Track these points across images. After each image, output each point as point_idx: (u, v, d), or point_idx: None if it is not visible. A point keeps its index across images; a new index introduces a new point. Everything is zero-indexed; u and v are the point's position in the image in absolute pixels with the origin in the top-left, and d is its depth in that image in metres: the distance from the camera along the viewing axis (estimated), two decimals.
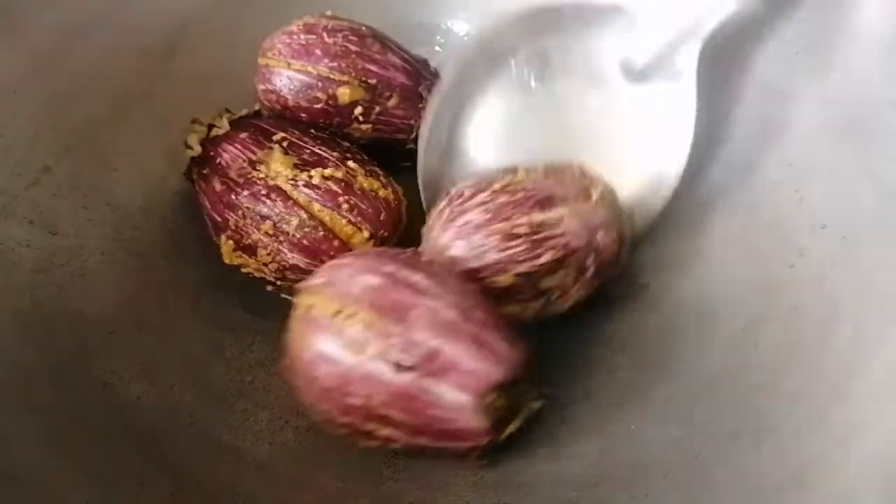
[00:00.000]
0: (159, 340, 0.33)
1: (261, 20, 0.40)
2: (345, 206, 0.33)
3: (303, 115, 0.37)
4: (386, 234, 0.34)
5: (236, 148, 0.34)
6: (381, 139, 0.38)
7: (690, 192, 0.36)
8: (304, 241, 0.32)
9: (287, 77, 0.37)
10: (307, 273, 0.31)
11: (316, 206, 0.33)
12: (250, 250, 0.33)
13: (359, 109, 0.37)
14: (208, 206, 0.34)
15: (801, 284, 0.31)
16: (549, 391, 0.29)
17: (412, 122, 0.38)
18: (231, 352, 0.33)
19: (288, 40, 0.37)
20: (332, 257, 0.32)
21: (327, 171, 0.33)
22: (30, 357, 0.28)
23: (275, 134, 0.35)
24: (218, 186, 0.34)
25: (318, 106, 0.37)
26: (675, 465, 0.28)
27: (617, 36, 0.36)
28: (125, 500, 0.26)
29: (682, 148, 0.35)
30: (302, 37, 0.37)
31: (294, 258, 0.32)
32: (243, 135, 0.35)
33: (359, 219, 0.33)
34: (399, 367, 0.26)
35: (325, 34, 0.37)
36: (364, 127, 0.37)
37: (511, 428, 0.27)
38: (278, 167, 0.33)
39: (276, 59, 0.37)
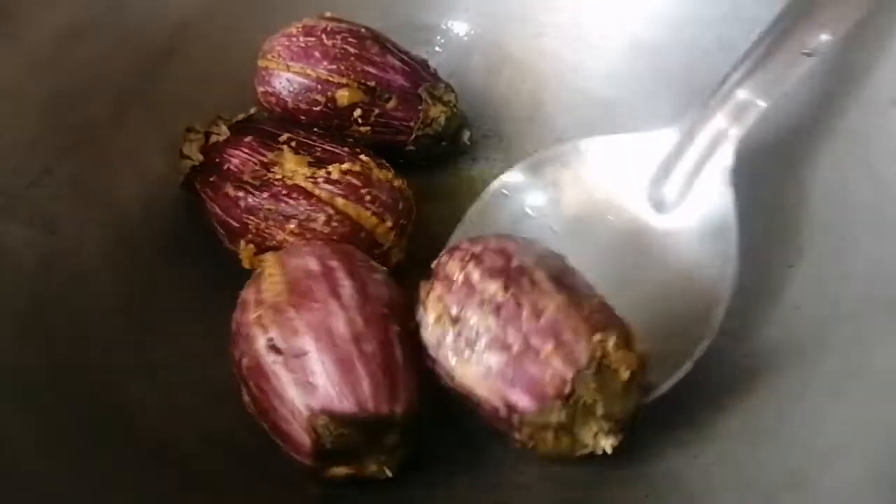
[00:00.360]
0: (159, 340, 0.33)
1: (261, 20, 0.40)
2: (367, 197, 0.33)
3: (302, 117, 0.37)
4: (405, 222, 0.34)
5: (244, 152, 0.34)
6: (382, 141, 0.38)
7: None
8: (334, 237, 0.32)
9: (286, 79, 0.37)
10: None
11: (340, 201, 0.33)
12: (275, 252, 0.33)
13: (358, 112, 0.37)
14: (221, 213, 0.34)
15: (801, 284, 0.31)
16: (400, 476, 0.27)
17: (412, 123, 0.38)
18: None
19: (287, 42, 0.37)
20: (360, 249, 0.32)
21: (345, 166, 0.33)
22: (30, 357, 0.28)
23: (280, 135, 0.35)
24: (232, 192, 0.33)
25: (318, 108, 0.37)
26: (675, 465, 0.28)
27: (641, 165, 0.34)
28: (125, 500, 0.26)
29: (724, 284, 0.31)
30: (301, 39, 0.37)
31: None
32: (247, 139, 0.34)
33: (381, 209, 0.33)
34: (270, 343, 0.26)
35: (324, 36, 0.37)
36: (363, 129, 0.37)
37: (337, 472, 0.27)
38: (293, 166, 0.33)
39: (276, 62, 0.37)
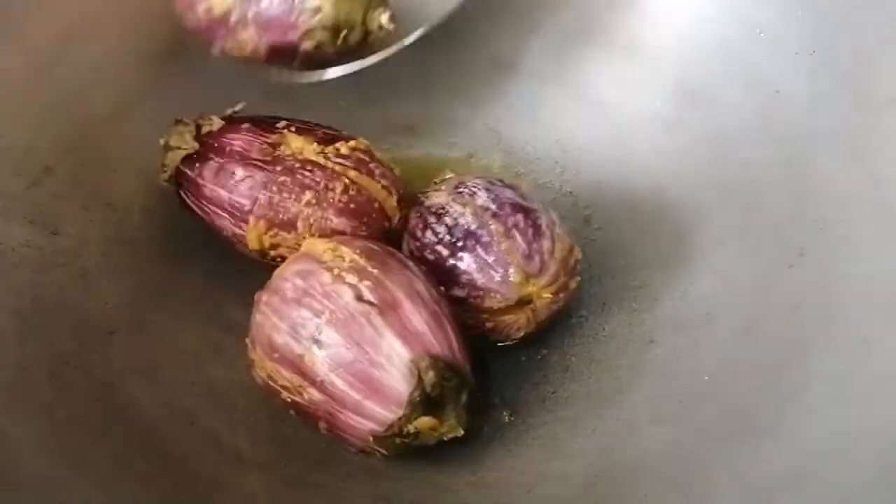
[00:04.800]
0: (159, 340, 0.33)
1: None
2: (377, 171, 0.34)
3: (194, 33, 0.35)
4: (403, 200, 0.35)
5: (245, 135, 0.33)
6: (273, 49, 0.35)
7: (689, 192, 0.36)
8: (351, 205, 0.33)
9: None
10: None
11: (353, 173, 0.33)
12: (289, 225, 0.32)
13: (233, 16, 0.34)
14: (226, 195, 0.33)
15: (801, 284, 0.31)
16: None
17: (294, 16, 0.34)
18: (231, 352, 0.33)
19: None
20: (373, 219, 0.33)
21: (351, 143, 0.34)
22: (30, 357, 0.28)
23: (277, 122, 0.34)
24: (240, 171, 0.32)
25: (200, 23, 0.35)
26: (675, 465, 0.28)
27: None
28: (125, 500, 0.26)
29: None
30: None
31: (340, 222, 0.32)
32: (245, 125, 0.34)
33: (388, 183, 0.34)
34: (360, 298, 0.27)
35: None
36: (245, 36, 0.35)
37: (422, 423, 0.27)
38: (301, 145, 0.33)
39: None
